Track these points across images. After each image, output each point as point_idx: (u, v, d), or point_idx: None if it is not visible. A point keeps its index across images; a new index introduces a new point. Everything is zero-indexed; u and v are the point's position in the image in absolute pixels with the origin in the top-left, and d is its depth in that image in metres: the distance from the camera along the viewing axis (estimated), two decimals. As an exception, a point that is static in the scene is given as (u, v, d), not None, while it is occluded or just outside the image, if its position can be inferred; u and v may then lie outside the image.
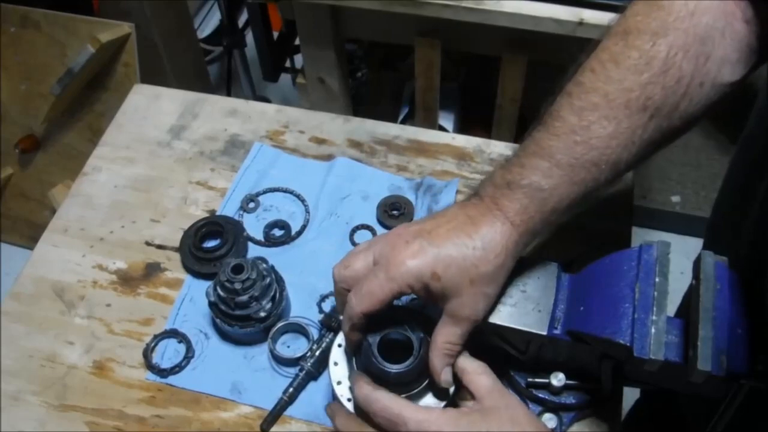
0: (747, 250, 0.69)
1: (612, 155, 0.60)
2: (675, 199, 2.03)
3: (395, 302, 0.63)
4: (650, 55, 0.59)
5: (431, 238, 0.61)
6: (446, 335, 0.62)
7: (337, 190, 0.94)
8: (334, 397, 0.67)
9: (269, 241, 0.90)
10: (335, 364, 0.68)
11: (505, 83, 1.42)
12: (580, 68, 0.63)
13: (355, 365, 0.66)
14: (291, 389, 0.77)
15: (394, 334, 0.65)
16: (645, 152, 0.62)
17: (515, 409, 0.61)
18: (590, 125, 0.60)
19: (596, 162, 0.60)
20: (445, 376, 0.62)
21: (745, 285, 0.64)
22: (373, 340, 0.64)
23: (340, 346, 0.69)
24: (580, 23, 1.18)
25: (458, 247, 0.60)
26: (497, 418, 0.59)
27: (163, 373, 0.80)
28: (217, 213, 0.93)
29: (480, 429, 0.58)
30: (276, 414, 0.76)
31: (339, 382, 0.66)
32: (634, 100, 0.59)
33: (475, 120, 1.74)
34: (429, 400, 0.65)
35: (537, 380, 0.73)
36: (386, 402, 0.59)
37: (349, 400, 0.66)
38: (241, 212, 0.93)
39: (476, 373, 0.63)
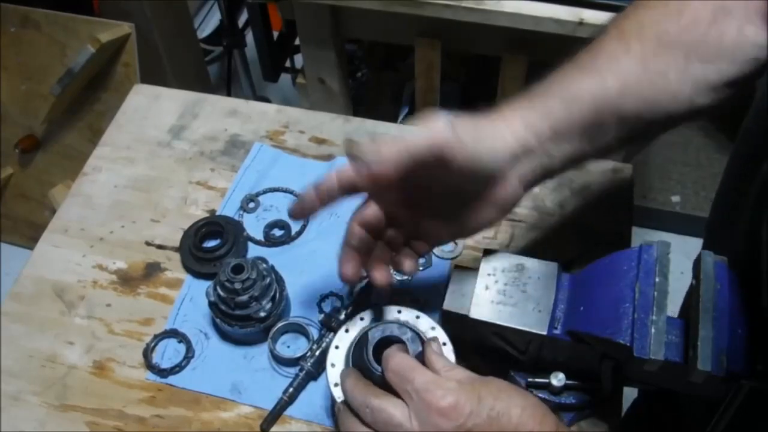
0: (743, 247, 0.69)
1: (619, 66, 0.61)
2: (675, 199, 2.03)
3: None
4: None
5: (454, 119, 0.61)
6: (486, 215, 0.65)
7: (337, 190, 0.94)
8: (332, 399, 0.67)
9: (269, 241, 0.90)
10: (332, 365, 0.68)
11: (505, 83, 1.42)
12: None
13: (351, 365, 0.66)
14: (291, 389, 0.77)
15: (393, 338, 0.65)
16: (662, 85, 0.61)
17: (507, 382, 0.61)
18: (603, 43, 0.62)
19: (603, 68, 0.61)
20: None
21: (745, 285, 0.64)
22: (373, 336, 0.65)
23: (337, 347, 0.69)
24: (580, 23, 1.18)
25: (477, 125, 0.61)
26: (496, 383, 0.60)
27: (163, 373, 0.80)
28: (217, 213, 0.93)
29: (482, 392, 0.58)
30: (276, 414, 0.76)
31: (336, 384, 0.66)
32: (647, 32, 0.61)
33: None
34: None
35: (537, 380, 0.73)
36: (400, 359, 0.61)
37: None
38: (241, 212, 0.93)
39: (447, 369, 0.62)
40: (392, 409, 0.58)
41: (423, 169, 0.61)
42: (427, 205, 0.66)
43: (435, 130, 0.59)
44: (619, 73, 0.61)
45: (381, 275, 0.67)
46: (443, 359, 0.63)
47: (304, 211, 0.67)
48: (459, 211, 0.66)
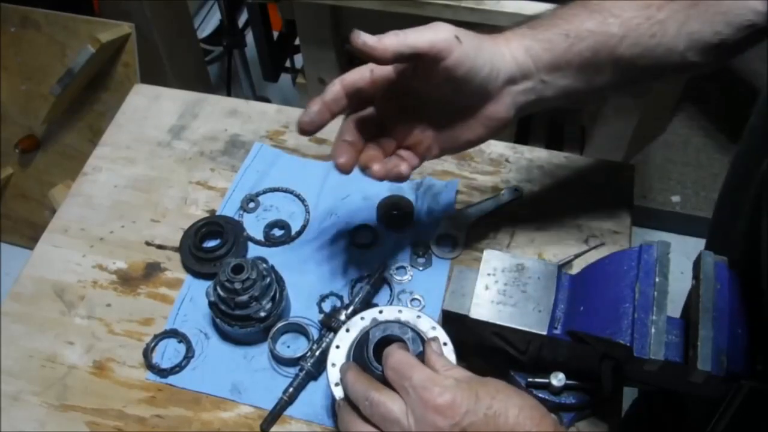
0: (743, 246, 0.69)
1: (623, 12, 0.63)
2: (675, 199, 2.03)
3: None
4: None
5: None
6: (476, 131, 0.67)
7: (337, 190, 0.94)
8: (333, 399, 0.67)
9: (269, 241, 0.90)
10: (333, 365, 0.68)
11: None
12: None
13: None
14: (291, 389, 0.77)
15: (393, 337, 0.65)
16: (660, 36, 0.63)
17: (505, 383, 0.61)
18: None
19: (608, 10, 0.63)
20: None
21: (745, 285, 0.64)
22: (373, 336, 0.65)
23: (338, 347, 0.69)
24: (580, 23, 1.18)
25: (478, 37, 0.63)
26: (494, 384, 0.60)
27: (163, 373, 0.80)
28: (217, 213, 0.93)
29: (480, 392, 0.57)
30: (276, 414, 0.76)
31: (337, 384, 0.66)
32: None
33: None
34: None
35: (537, 380, 0.73)
36: (401, 356, 0.61)
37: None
38: (241, 212, 0.93)
39: (446, 368, 0.62)
40: (390, 404, 0.58)
41: (422, 70, 0.63)
42: (420, 114, 0.68)
43: (438, 31, 0.62)
44: (622, 20, 0.63)
45: (378, 168, 0.67)
46: (443, 359, 0.63)
47: (313, 123, 0.66)
48: (451, 124, 0.68)
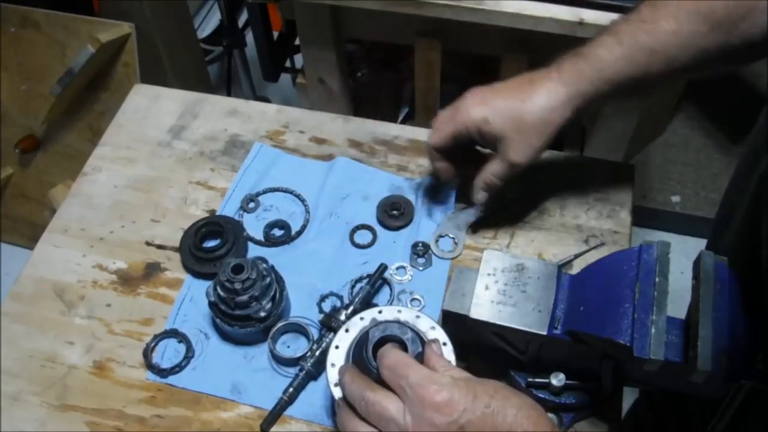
0: (742, 245, 0.69)
1: (669, 50, 0.70)
2: (675, 199, 2.03)
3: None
4: None
5: (493, 92, 0.77)
6: (492, 169, 0.78)
7: (337, 190, 0.94)
8: (332, 399, 0.67)
9: (269, 241, 0.90)
10: (332, 365, 0.68)
11: (505, 83, 1.41)
12: None
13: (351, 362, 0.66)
14: (291, 389, 0.77)
15: (393, 337, 0.65)
16: (701, 61, 0.71)
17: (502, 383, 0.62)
18: (658, 19, 0.70)
19: (654, 49, 0.70)
20: (479, 196, 0.82)
21: (745, 285, 0.64)
22: (373, 336, 0.65)
23: (337, 347, 0.69)
24: (580, 23, 1.18)
25: (510, 101, 0.75)
26: (492, 384, 0.60)
27: (163, 373, 0.80)
28: (217, 213, 0.93)
29: (478, 390, 0.58)
30: (276, 414, 0.76)
31: (336, 384, 0.66)
32: (700, 10, 0.68)
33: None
34: None
35: (537, 380, 0.73)
36: (396, 356, 0.61)
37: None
38: (241, 212, 0.93)
39: (445, 368, 0.62)
40: (386, 402, 0.58)
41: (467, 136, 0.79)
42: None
43: (472, 115, 0.76)
44: (669, 55, 0.70)
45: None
46: (443, 359, 0.63)
47: (447, 170, 0.84)
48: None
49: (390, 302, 0.83)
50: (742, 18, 0.67)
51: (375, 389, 0.60)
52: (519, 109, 0.74)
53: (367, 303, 0.81)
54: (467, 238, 0.88)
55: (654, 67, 0.71)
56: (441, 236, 0.88)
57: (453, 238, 0.88)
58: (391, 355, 0.61)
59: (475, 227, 0.89)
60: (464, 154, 0.83)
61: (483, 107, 0.76)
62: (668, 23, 0.70)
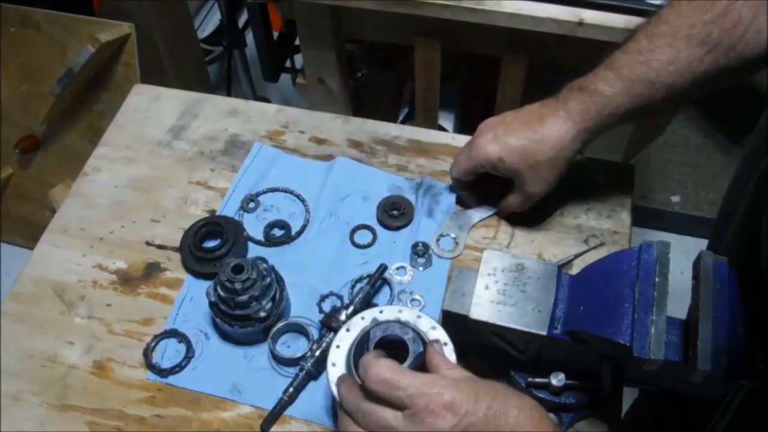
0: (741, 244, 0.69)
1: (668, 78, 0.71)
2: (675, 199, 2.03)
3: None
4: None
5: (505, 129, 0.80)
6: (512, 201, 0.85)
7: (337, 190, 0.94)
8: (333, 398, 0.67)
9: (269, 241, 0.90)
10: (333, 365, 0.68)
11: (505, 83, 1.42)
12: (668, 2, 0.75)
13: (351, 364, 0.66)
14: (291, 389, 0.77)
15: (394, 337, 0.65)
16: (701, 83, 0.71)
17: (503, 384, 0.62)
18: (655, 49, 0.72)
19: (653, 81, 0.72)
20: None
21: (745, 285, 0.64)
22: (374, 335, 0.65)
23: (338, 347, 0.69)
24: (580, 23, 1.18)
25: (522, 140, 0.79)
26: (493, 385, 0.60)
27: (163, 373, 0.80)
28: (217, 213, 0.93)
29: (480, 392, 0.57)
30: (276, 414, 0.76)
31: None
32: (695, 35, 0.69)
33: (475, 120, 1.73)
34: None
35: (537, 380, 0.73)
36: (385, 372, 0.59)
37: None
38: (241, 212, 0.93)
39: (447, 367, 0.62)
40: (382, 411, 0.58)
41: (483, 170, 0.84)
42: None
43: (487, 154, 0.81)
44: (668, 84, 0.72)
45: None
46: (445, 359, 0.63)
47: (470, 197, 0.91)
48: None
49: (390, 302, 0.83)
50: (738, 39, 0.68)
51: (370, 398, 0.60)
52: (531, 148, 0.78)
53: (367, 303, 0.81)
54: (468, 238, 0.88)
55: (655, 96, 0.73)
56: (442, 235, 0.88)
57: (454, 237, 0.88)
58: (377, 367, 0.59)
59: (475, 227, 0.89)
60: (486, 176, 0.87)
61: (496, 146, 0.80)
62: (664, 53, 0.71)
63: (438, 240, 0.88)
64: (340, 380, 0.65)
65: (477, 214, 0.90)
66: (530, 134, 0.79)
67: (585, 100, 0.76)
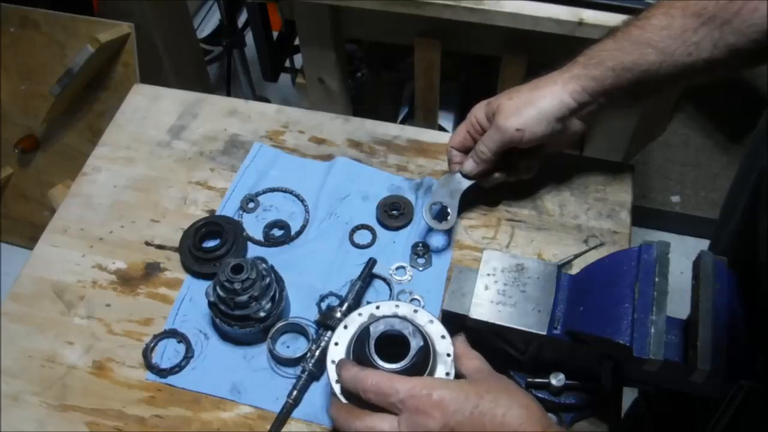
0: (739, 244, 0.69)
1: (660, 42, 0.73)
2: (675, 199, 2.03)
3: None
4: None
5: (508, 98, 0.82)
6: (484, 138, 0.83)
7: (336, 190, 0.94)
8: (333, 395, 0.67)
9: (269, 241, 0.90)
10: (333, 362, 0.68)
11: (505, 83, 1.42)
12: None
13: (352, 359, 0.66)
14: (295, 392, 0.76)
15: (394, 332, 0.65)
16: (696, 55, 0.72)
17: (506, 381, 0.63)
18: (650, 17, 0.75)
19: (645, 42, 0.74)
20: (467, 166, 0.85)
21: (745, 285, 0.64)
22: (374, 331, 0.65)
23: (337, 344, 0.69)
24: (580, 23, 1.18)
25: (521, 92, 0.81)
26: (486, 384, 0.61)
27: (162, 373, 0.80)
28: (217, 213, 0.93)
29: (469, 392, 0.59)
30: (283, 419, 0.76)
31: (338, 380, 0.66)
32: (690, 6, 0.72)
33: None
34: None
35: (537, 380, 0.73)
36: (375, 377, 0.61)
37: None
38: (241, 212, 0.93)
39: (467, 357, 0.66)
40: (379, 423, 0.60)
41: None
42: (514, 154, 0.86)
43: (503, 131, 0.81)
44: (659, 49, 0.73)
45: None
46: (469, 348, 0.67)
47: (470, 170, 0.87)
48: (538, 151, 0.85)
49: (389, 302, 0.83)
50: (734, 14, 0.69)
51: (361, 416, 0.61)
52: (523, 105, 0.80)
53: (358, 299, 0.81)
54: (467, 238, 0.88)
55: (649, 59, 0.74)
56: (433, 205, 0.85)
57: (446, 206, 0.85)
58: (368, 377, 0.61)
59: (474, 227, 0.89)
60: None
61: (488, 101, 0.84)
62: (658, 20, 0.74)
63: (431, 209, 0.85)
64: (330, 403, 0.66)
65: (465, 180, 0.87)
66: (527, 88, 0.81)
67: (582, 61, 0.78)
